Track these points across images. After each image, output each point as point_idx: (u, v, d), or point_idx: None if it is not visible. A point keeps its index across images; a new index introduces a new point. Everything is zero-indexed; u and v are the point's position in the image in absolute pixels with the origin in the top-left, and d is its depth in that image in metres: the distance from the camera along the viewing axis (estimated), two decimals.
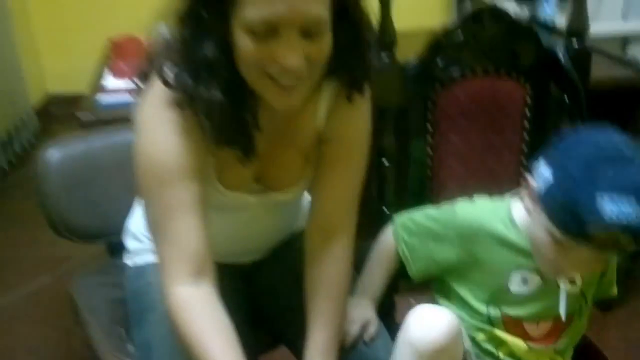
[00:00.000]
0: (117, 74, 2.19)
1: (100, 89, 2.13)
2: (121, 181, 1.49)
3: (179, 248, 1.09)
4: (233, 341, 1.07)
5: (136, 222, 1.41)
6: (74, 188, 1.52)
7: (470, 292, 1.26)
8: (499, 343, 1.24)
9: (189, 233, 1.09)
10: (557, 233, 1.09)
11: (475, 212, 1.24)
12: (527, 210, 1.17)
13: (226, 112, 1.04)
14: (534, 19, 2.19)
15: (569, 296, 1.21)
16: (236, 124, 1.08)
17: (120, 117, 1.80)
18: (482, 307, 1.24)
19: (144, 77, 1.11)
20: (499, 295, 1.23)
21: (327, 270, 1.22)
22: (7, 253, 2.65)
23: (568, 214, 1.06)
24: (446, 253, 1.25)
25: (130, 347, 1.31)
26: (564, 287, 1.19)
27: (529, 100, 1.47)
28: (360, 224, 1.26)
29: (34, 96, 3.75)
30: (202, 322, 1.07)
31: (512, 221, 1.21)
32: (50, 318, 2.26)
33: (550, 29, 2.56)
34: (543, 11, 2.65)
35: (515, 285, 1.22)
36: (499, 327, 1.24)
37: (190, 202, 1.09)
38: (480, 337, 1.25)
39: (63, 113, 3.76)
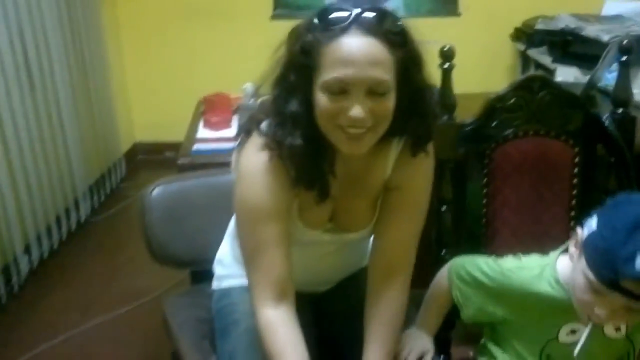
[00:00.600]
0: (208, 125, 2.47)
1: (195, 138, 2.40)
2: (210, 217, 1.72)
3: (266, 275, 1.30)
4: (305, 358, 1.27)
5: (224, 252, 1.63)
6: (171, 221, 1.76)
7: (522, 343, 1.37)
8: None
9: (275, 263, 1.30)
10: (592, 278, 1.18)
11: (523, 276, 1.34)
12: (571, 256, 1.28)
13: (306, 157, 1.26)
14: (593, 84, 2.33)
15: (614, 341, 1.31)
16: (314, 168, 1.29)
17: (211, 162, 2.08)
18: (534, 358, 1.36)
19: (244, 130, 1.35)
20: (550, 346, 1.34)
21: (385, 303, 1.38)
22: (91, 284, 2.90)
23: (605, 262, 1.16)
24: (497, 309, 1.37)
25: (214, 359, 1.51)
26: (589, 327, 1.26)
27: (577, 160, 1.61)
28: (419, 265, 1.41)
29: (125, 144, 4.11)
30: (282, 341, 1.28)
31: (557, 280, 1.30)
32: (131, 340, 2.48)
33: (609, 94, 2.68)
34: (604, 77, 2.79)
35: (564, 335, 1.33)
36: None
37: (277, 237, 1.30)
38: None
39: (148, 159, 4.18)
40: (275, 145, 1.27)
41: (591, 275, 1.18)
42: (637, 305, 1.17)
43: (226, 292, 1.57)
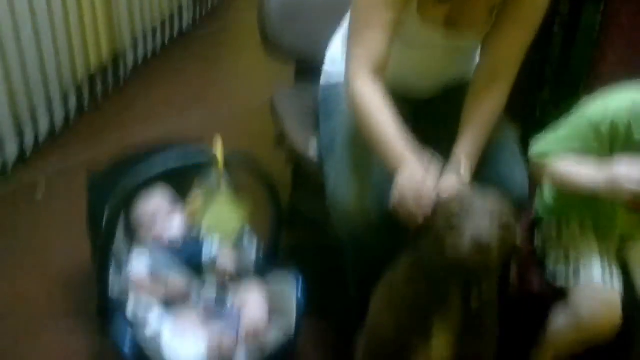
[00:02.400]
0: None
1: None
2: (325, 14, 1.81)
3: (367, 50, 1.38)
4: (399, 124, 1.35)
5: (335, 50, 1.72)
6: (287, 14, 1.85)
7: None
8: None
9: (377, 42, 1.38)
10: None
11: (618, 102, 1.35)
12: None
13: None
14: None
15: None
16: None
17: None
18: None
19: None
20: None
21: (483, 104, 1.44)
22: (191, 85, 3.05)
23: None
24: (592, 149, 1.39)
25: (314, 140, 1.67)
26: None
27: None
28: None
29: None
30: (375, 105, 1.36)
31: None
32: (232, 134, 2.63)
33: None
34: None
35: None
36: None
37: (386, 23, 1.38)
38: None
39: None
40: None
41: None
42: None
43: (334, 87, 1.67)
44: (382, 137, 1.34)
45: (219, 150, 1.54)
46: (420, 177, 1.23)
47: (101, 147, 2.48)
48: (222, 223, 1.60)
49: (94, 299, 1.61)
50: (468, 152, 1.40)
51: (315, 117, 1.70)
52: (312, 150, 1.67)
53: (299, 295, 1.59)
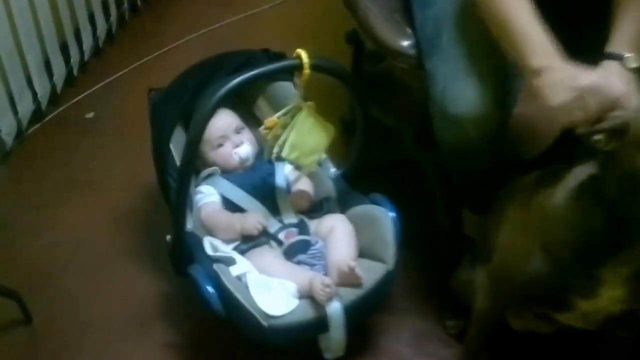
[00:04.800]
0: None
1: None
2: None
3: None
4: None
5: None
6: None
7: None
8: None
9: None
10: None
11: None
12: None
13: None
14: None
15: None
16: None
17: None
18: None
19: None
20: None
21: None
22: None
23: None
24: None
25: (409, 30, 1.38)
26: None
27: None
28: None
29: None
30: None
31: None
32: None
33: None
34: None
35: None
36: None
37: None
38: None
39: None
40: None
41: None
42: None
43: None
44: (515, 26, 1.06)
45: (304, 55, 1.27)
46: (587, 81, 0.95)
47: (147, 60, 2.28)
48: (305, 142, 1.34)
49: (157, 231, 1.43)
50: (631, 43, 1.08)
51: (404, 4, 1.40)
52: (406, 44, 1.37)
53: (393, 222, 1.36)
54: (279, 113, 1.34)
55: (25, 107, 1.92)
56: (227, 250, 1.36)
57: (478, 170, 1.32)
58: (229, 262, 1.31)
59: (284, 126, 1.33)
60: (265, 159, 1.40)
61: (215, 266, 1.30)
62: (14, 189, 1.83)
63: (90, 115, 2.06)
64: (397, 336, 1.47)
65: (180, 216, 1.32)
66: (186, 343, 1.45)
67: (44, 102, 2.01)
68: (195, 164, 1.49)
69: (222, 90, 1.22)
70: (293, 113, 1.33)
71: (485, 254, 1.25)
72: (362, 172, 1.53)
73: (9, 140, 1.86)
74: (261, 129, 1.36)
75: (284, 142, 1.32)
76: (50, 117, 2.04)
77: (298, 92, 1.33)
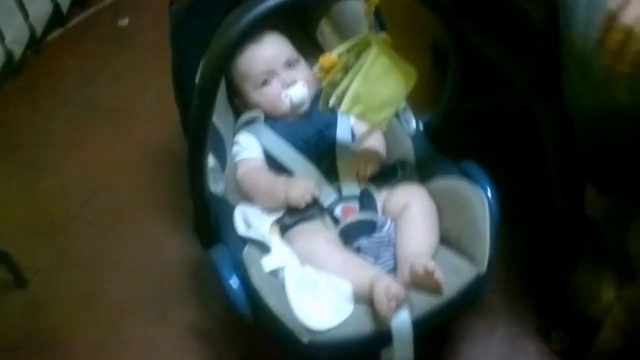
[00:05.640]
0: None
1: None
2: None
3: None
4: None
5: None
6: None
7: None
8: None
9: None
10: None
11: None
12: None
13: None
14: None
15: None
16: None
17: None
18: None
19: None
20: None
21: None
22: None
23: None
24: None
25: None
26: None
27: None
28: None
29: None
30: None
31: None
32: None
33: None
34: None
35: None
36: None
37: None
38: None
39: None
40: None
41: None
42: None
43: None
44: None
45: None
46: None
47: None
48: (373, 93, 0.95)
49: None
50: None
51: None
52: None
53: (490, 208, 0.98)
54: (340, 48, 0.95)
55: (39, 8, 1.58)
56: (263, 226, 1.02)
57: (620, 137, 0.95)
58: (263, 248, 0.98)
59: (346, 69, 0.94)
60: (320, 109, 1.02)
61: (247, 251, 0.97)
62: (25, 109, 1.52)
63: (124, 22, 1.73)
64: (483, 344, 1.15)
65: (197, 180, 0.97)
66: (216, 329, 1.16)
67: (64, 3, 1.66)
68: (234, 103, 1.15)
69: (262, 6, 0.83)
70: (359, 50, 0.94)
71: (621, 265, 0.88)
72: (454, 124, 1.14)
73: (17, 49, 1.53)
74: (314, 69, 0.98)
75: (343, 92, 0.93)
76: (73, 22, 1.71)
77: (366, 20, 0.93)
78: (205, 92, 0.85)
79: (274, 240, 0.99)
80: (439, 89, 1.09)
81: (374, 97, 0.95)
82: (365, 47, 0.94)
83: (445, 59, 1.14)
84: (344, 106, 0.94)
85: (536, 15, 1.08)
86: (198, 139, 0.90)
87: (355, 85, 0.93)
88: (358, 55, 0.94)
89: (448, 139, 1.14)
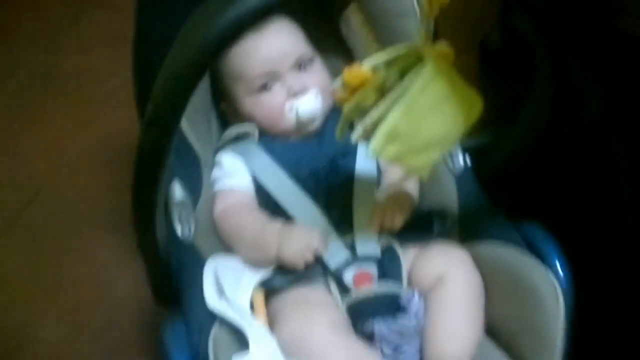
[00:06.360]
0: None
1: None
2: None
3: None
4: None
5: None
6: None
7: None
8: None
9: None
10: None
11: None
12: None
13: None
14: None
15: None
16: None
17: None
18: None
19: None
20: None
21: None
22: None
23: None
24: None
25: None
26: None
27: None
28: None
29: None
30: None
31: None
32: None
33: None
34: None
35: None
36: None
37: None
38: None
39: None
40: None
41: None
42: None
43: None
44: None
45: None
46: None
47: None
48: (419, 129, 0.64)
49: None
50: None
51: None
52: None
53: (564, 298, 0.70)
54: (375, 58, 0.64)
55: None
56: (243, 294, 0.73)
57: None
58: (239, 335, 0.69)
59: (381, 90, 0.64)
60: (337, 138, 0.71)
61: (215, 334, 0.68)
62: None
63: None
64: None
65: (146, 235, 0.67)
66: None
67: None
68: (220, 108, 0.86)
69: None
70: (404, 65, 0.63)
71: None
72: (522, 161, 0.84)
73: None
74: (334, 84, 0.67)
75: (375, 124, 0.63)
76: None
77: (421, 25, 0.63)
78: (161, 121, 0.54)
79: (256, 327, 0.69)
80: (486, 100, 0.78)
81: (419, 135, 0.65)
82: (415, 62, 0.63)
83: (497, 61, 0.84)
84: (375, 143, 0.63)
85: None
86: (148, 184, 0.60)
87: (394, 117, 0.62)
88: (402, 74, 0.63)
89: (505, 183, 0.84)
